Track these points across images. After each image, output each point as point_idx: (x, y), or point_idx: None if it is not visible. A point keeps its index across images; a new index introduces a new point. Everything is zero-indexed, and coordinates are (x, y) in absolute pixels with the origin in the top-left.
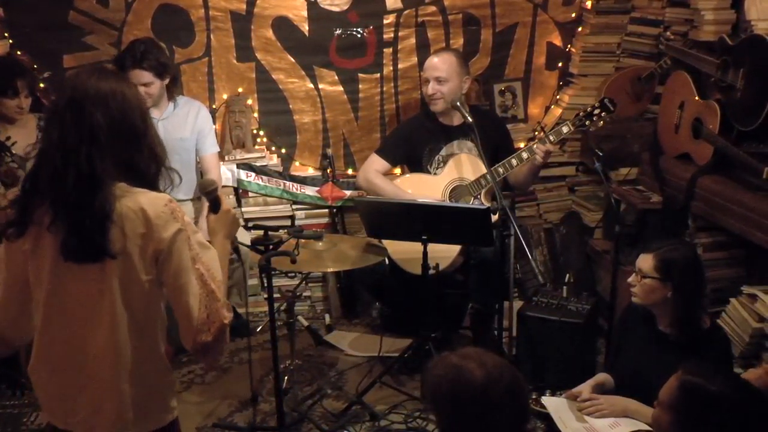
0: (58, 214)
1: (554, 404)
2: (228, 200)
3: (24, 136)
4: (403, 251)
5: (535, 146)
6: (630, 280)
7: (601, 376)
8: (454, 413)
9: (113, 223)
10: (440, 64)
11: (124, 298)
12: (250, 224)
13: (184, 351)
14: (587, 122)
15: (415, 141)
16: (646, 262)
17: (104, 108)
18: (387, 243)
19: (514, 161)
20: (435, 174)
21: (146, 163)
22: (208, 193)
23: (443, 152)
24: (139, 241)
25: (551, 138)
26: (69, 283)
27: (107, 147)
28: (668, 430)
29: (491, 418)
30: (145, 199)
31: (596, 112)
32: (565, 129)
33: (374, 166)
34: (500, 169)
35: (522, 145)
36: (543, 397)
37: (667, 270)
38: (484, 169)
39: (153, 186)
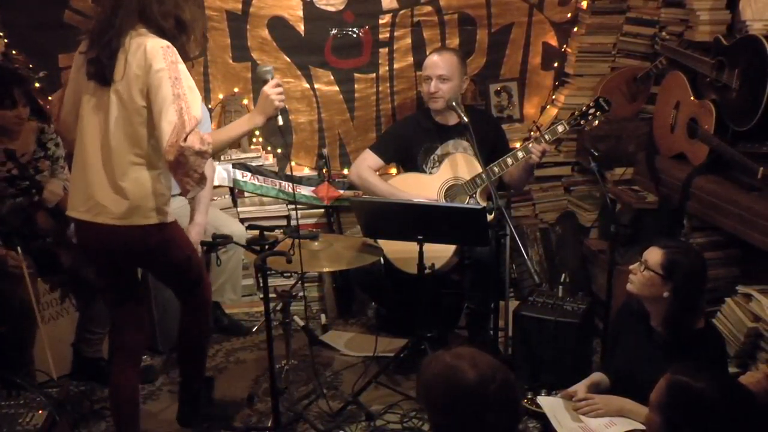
0: (90, 47)
1: (550, 404)
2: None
3: (23, 146)
4: (399, 251)
5: (530, 145)
6: (632, 267)
7: (597, 376)
8: (447, 412)
9: (121, 52)
10: (442, 62)
11: (122, 115)
12: (246, 224)
13: None
14: (582, 121)
15: (410, 140)
16: (654, 255)
17: None
18: (383, 243)
19: (509, 160)
20: (430, 173)
21: (168, 22)
22: (259, 75)
23: (439, 152)
24: (139, 71)
25: (547, 137)
26: (89, 98)
27: (134, 8)
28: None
29: (484, 417)
30: (151, 39)
31: (591, 111)
32: (560, 128)
33: (367, 162)
34: (496, 168)
35: (518, 145)
36: (539, 397)
37: (672, 270)
38: (479, 169)
39: (171, 41)
